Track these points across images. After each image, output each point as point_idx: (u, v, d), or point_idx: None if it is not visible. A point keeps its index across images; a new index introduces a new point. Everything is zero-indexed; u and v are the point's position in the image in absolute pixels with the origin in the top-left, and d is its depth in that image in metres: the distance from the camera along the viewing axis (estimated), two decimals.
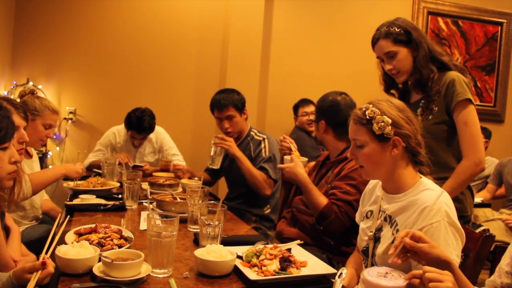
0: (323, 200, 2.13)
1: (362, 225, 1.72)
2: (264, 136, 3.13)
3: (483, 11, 5.05)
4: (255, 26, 4.34)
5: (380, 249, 1.55)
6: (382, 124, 1.49)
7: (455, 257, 1.39)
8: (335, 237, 2.19)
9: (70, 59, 4.16)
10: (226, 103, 3.05)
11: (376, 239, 1.60)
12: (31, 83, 3.99)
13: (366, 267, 1.66)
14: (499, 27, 5.11)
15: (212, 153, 2.95)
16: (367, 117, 1.51)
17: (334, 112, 2.33)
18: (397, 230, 1.50)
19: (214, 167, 3.01)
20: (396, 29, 2.08)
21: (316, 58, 4.67)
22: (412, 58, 2.11)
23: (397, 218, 1.52)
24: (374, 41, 2.16)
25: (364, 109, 1.54)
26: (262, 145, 3.07)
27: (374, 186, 1.74)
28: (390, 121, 1.49)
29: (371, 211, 1.68)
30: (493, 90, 5.13)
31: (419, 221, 1.43)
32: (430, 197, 1.45)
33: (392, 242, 1.49)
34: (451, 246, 1.40)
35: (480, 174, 2.30)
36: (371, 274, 1.09)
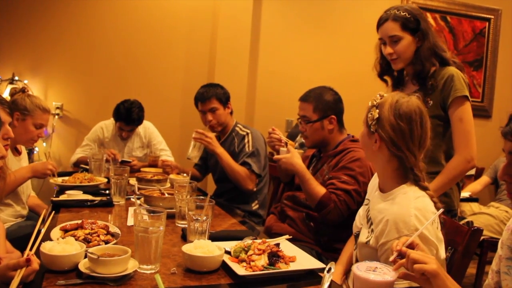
0: (321, 189, 2.12)
1: (360, 211, 1.72)
2: (248, 131, 3.12)
3: (471, 7, 5.07)
4: (244, 21, 4.32)
5: (358, 242, 1.58)
6: (370, 115, 1.49)
7: None
8: (324, 232, 2.19)
9: (57, 53, 4.11)
10: (209, 95, 3.05)
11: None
12: (16, 78, 3.93)
13: (355, 249, 1.67)
14: (487, 23, 5.14)
15: (190, 148, 2.96)
16: (369, 103, 1.52)
17: (339, 103, 2.37)
18: (372, 231, 1.52)
19: (194, 161, 3.04)
20: (407, 15, 2.03)
21: (305, 53, 4.66)
22: (415, 47, 2.07)
23: (373, 218, 1.54)
24: (382, 22, 2.09)
25: (378, 95, 1.53)
26: (246, 140, 3.06)
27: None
28: (376, 116, 1.47)
29: (368, 200, 1.69)
30: (480, 86, 5.17)
31: (386, 232, 1.42)
32: (400, 209, 1.42)
33: (366, 243, 1.52)
34: None
35: None
36: (360, 268, 1.09)
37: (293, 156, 2.24)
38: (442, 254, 1.44)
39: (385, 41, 2.11)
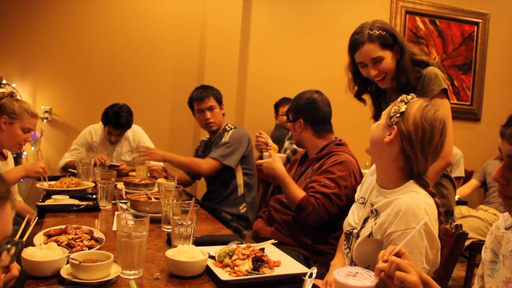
0: (300, 193, 2.14)
1: (354, 209, 1.70)
2: (233, 127, 3.22)
3: (459, 11, 5.12)
4: (233, 24, 4.32)
5: (358, 240, 1.55)
6: (396, 108, 1.48)
7: (425, 265, 1.37)
8: (312, 236, 2.19)
9: (46, 57, 4.09)
10: (207, 94, 3.16)
11: (361, 229, 1.58)
12: (4, 81, 3.90)
13: (346, 249, 1.66)
14: (475, 27, 5.19)
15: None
16: (399, 98, 1.52)
17: (312, 109, 2.33)
18: (376, 224, 1.49)
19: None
20: (382, 32, 1.98)
21: (294, 57, 4.68)
22: (396, 62, 2.03)
23: (381, 212, 1.50)
24: (359, 46, 2.01)
25: (410, 95, 1.52)
26: (226, 133, 3.16)
27: (373, 172, 1.70)
28: (402, 110, 1.46)
29: (364, 199, 1.67)
30: (470, 89, 5.20)
31: (394, 222, 1.40)
32: (412, 200, 1.41)
33: (368, 236, 1.50)
34: (424, 256, 1.36)
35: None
36: (340, 273, 1.09)
37: (274, 160, 2.27)
38: (438, 257, 1.44)
39: (366, 64, 2.04)
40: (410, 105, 1.48)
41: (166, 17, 4.35)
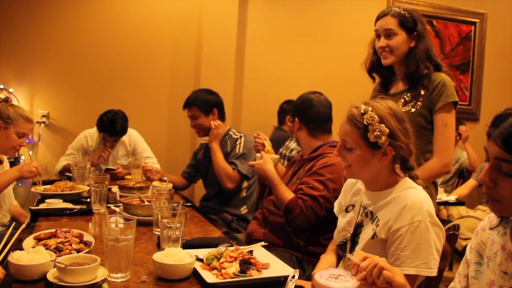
0: (289, 194, 2.14)
1: (341, 219, 1.69)
2: (241, 134, 3.22)
3: (456, 11, 5.11)
4: (229, 27, 4.33)
5: (359, 245, 1.54)
6: (379, 133, 1.42)
7: (437, 257, 1.38)
8: (304, 237, 2.18)
9: (43, 62, 4.10)
10: (190, 102, 3.19)
11: (356, 234, 1.57)
12: (1, 86, 3.92)
13: (343, 261, 1.65)
14: (473, 27, 5.18)
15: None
16: (365, 122, 1.44)
17: (306, 108, 2.34)
18: (377, 225, 1.48)
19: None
20: (406, 14, 2.09)
21: (291, 58, 4.67)
22: (407, 47, 2.11)
23: (378, 213, 1.50)
24: (381, 16, 2.15)
25: (362, 111, 1.45)
26: (238, 142, 3.16)
27: (355, 183, 1.72)
28: (387, 131, 1.43)
29: (353, 206, 1.66)
30: (468, 89, 5.20)
31: (400, 218, 1.41)
32: (414, 195, 1.44)
33: (372, 237, 1.48)
34: (433, 247, 1.37)
35: None
36: (322, 276, 1.09)
37: (265, 162, 2.29)
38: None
39: (380, 34, 2.15)
40: (385, 120, 1.44)
41: (162, 20, 4.36)
